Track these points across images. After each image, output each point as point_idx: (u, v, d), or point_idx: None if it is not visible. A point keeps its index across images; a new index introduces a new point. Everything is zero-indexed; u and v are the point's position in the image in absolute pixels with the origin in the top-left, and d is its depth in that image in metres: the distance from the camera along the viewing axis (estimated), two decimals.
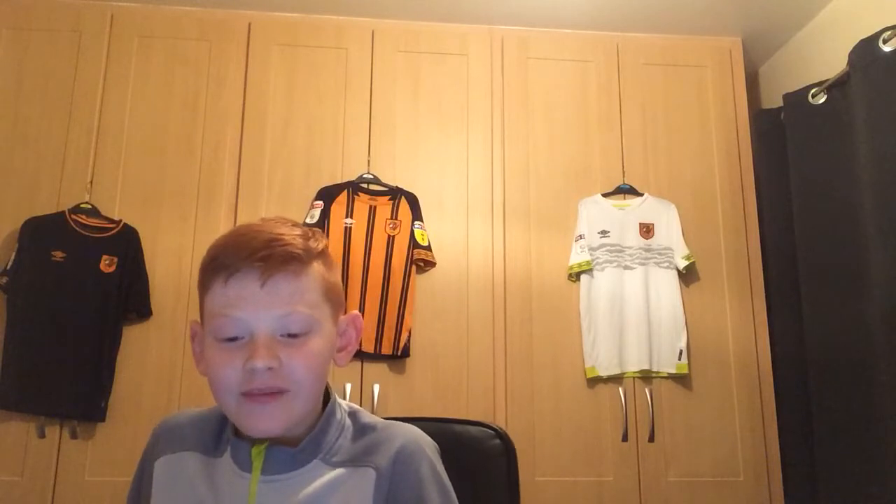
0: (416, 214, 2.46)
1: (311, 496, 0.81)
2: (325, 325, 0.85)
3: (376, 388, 2.33)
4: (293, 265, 0.81)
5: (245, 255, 0.80)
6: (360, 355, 2.34)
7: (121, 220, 2.36)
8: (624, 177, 2.59)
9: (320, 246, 0.86)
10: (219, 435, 0.88)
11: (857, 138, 2.19)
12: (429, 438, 0.89)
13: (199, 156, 2.47)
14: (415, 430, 0.88)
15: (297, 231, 0.84)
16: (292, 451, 0.83)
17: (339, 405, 0.90)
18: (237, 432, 0.86)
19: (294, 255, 0.81)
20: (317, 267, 0.84)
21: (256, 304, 0.80)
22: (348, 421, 0.89)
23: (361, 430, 0.88)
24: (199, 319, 0.88)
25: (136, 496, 0.90)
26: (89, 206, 2.36)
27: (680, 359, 2.42)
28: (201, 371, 0.86)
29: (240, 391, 0.80)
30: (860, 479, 2.14)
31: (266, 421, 0.80)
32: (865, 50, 2.15)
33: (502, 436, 1.02)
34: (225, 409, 0.83)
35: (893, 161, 2.03)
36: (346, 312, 0.91)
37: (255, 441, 0.83)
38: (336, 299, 0.88)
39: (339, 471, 0.84)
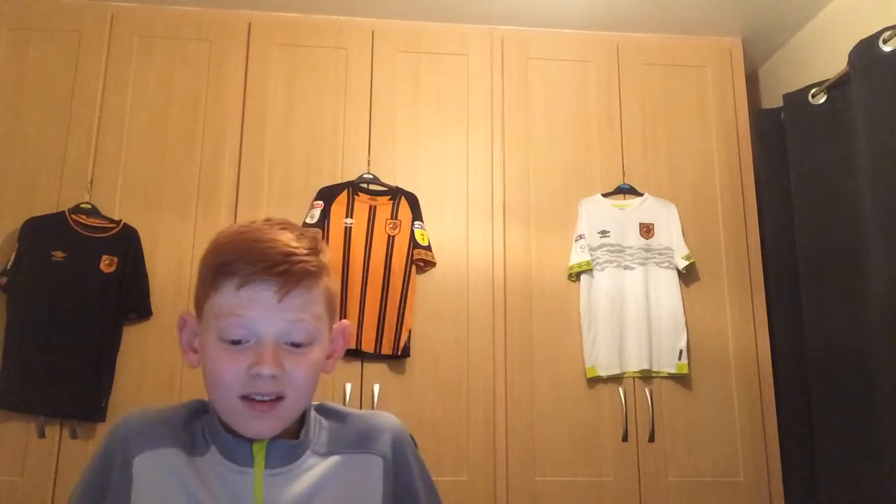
0: (416, 214, 2.46)
1: (313, 485, 0.85)
2: (324, 335, 0.87)
3: (376, 388, 2.33)
4: (308, 281, 0.83)
5: (262, 266, 0.81)
6: (361, 355, 2.34)
7: (121, 220, 2.36)
8: (624, 177, 2.59)
9: (327, 258, 0.88)
10: (191, 433, 0.88)
11: (857, 138, 2.19)
12: None
13: (199, 156, 2.47)
14: (394, 417, 0.96)
15: (307, 244, 0.85)
16: (292, 443, 0.86)
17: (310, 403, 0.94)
18: (228, 429, 0.86)
19: (310, 272, 0.83)
20: (325, 280, 0.87)
21: (268, 310, 0.81)
22: (317, 413, 0.93)
23: (334, 417, 0.93)
24: (191, 312, 0.89)
25: (97, 497, 0.86)
26: (89, 206, 2.36)
27: (680, 359, 2.42)
28: (190, 363, 0.88)
29: (240, 394, 0.81)
30: (860, 479, 2.14)
31: (262, 425, 0.83)
32: (865, 50, 2.15)
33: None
34: (220, 407, 0.84)
35: (893, 161, 2.03)
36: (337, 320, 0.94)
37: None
38: (334, 309, 0.90)
39: (335, 458, 0.88)
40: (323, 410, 0.94)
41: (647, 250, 2.50)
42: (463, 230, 2.50)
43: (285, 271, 0.81)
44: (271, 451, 0.85)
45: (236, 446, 0.85)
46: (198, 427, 0.88)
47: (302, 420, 0.89)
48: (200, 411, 0.90)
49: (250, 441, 0.85)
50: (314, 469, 0.86)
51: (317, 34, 2.61)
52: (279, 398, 0.82)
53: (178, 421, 0.89)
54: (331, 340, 0.90)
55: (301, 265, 0.82)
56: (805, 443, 2.36)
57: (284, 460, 0.85)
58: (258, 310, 0.81)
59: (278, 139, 2.51)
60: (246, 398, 0.81)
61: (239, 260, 0.82)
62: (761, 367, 2.47)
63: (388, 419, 0.94)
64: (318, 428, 0.91)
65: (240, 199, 2.44)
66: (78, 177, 2.40)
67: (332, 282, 0.89)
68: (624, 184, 2.57)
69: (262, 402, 0.81)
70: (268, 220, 0.88)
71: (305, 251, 0.84)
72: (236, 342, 0.81)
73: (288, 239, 0.84)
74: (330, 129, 2.53)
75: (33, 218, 2.30)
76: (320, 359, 0.86)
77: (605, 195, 2.56)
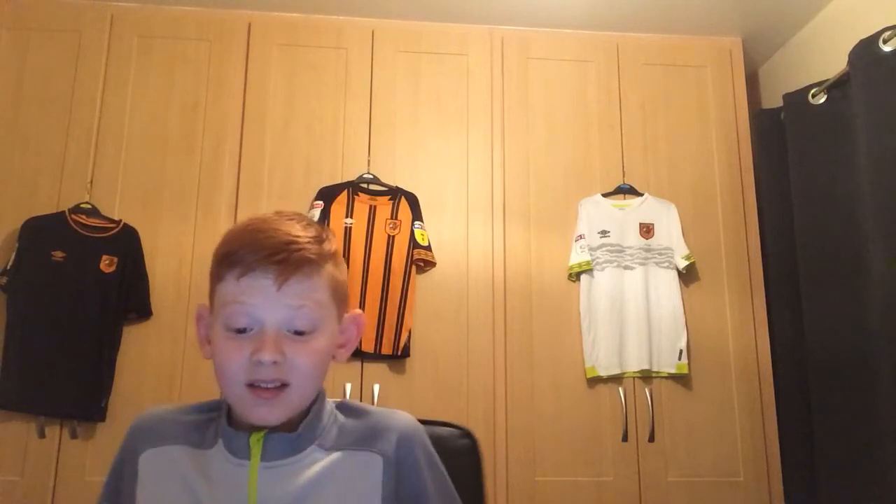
0: (416, 214, 2.46)
1: (311, 480, 0.84)
2: (330, 323, 0.87)
3: (376, 388, 2.33)
4: (307, 268, 0.84)
5: (262, 255, 0.82)
6: (360, 355, 2.34)
7: (121, 220, 2.36)
8: (624, 177, 2.59)
9: (332, 248, 0.88)
10: (203, 429, 0.89)
11: (857, 138, 2.19)
12: (419, 423, 0.94)
13: (199, 156, 2.47)
14: (408, 416, 0.94)
15: (312, 232, 0.86)
16: (291, 436, 0.86)
17: (325, 397, 0.93)
18: (230, 421, 0.87)
19: (308, 260, 0.84)
20: (328, 268, 0.87)
21: (268, 297, 0.82)
22: (336, 409, 0.93)
23: (352, 414, 0.92)
24: (207, 304, 0.91)
25: (115, 494, 0.90)
26: (89, 206, 2.36)
27: (680, 359, 2.42)
28: (206, 355, 0.89)
29: (245, 382, 0.82)
30: (860, 479, 2.14)
31: (267, 412, 0.83)
32: (865, 50, 2.15)
33: (470, 435, 1.07)
34: (228, 396, 0.86)
35: (893, 161, 2.03)
36: (348, 310, 0.94)
37: (252, 429, 0.85)
38: (342, 298, 0.90)
39: (337, 454, 0.87)
40: (343, 406, 0.94)
41: (647, 250, 2.50)
42: (463, 230, 2.50)
43: (283, 259, 0.82)
44: (268, 443, 0.85)
45: (236, 439, 0.86)
46: (211, 422, 0.90)
47: (307, 413, 0.89)
48: (217, 408, 0.91)
49: (248, 432, 0.85)
50: (315, 465, 0.86)
51: (317, 34, 2.61)
52: (284, 385, 0.83)
53: (190, 417, 0.90)
54: (342, 330, 0.91)
55: (299, 253, 0.83)
56: (805, 443, 2.36)
57: (283, 453, 0.85)
58: (259, 297, 0.82)
59: (278, 139, 2.51)
60: (251, 386, 0.82)
61: (241, 249, 0.83)
62: (761, 367, 2.47)
63: (399, 418, 0.92)
64: (332, 422, 0.90)
65: (240, 199, 2.44)
66: (78, 177, 2.40)
67: (339, 271, 0.90)
68: (624, 184, 2.57)
69: (266, 389, 0.82)
70: (278, 212, 0.89)
71: (307, 240, 0.85)
72: (241, 331, 0.83)
73: (291, 228, 0.85)
74: (330, 129, 2.53)
75: (33, 218, 2.31)
76: (326, 347, 0.86)
77: (605, 195, 2.56)
